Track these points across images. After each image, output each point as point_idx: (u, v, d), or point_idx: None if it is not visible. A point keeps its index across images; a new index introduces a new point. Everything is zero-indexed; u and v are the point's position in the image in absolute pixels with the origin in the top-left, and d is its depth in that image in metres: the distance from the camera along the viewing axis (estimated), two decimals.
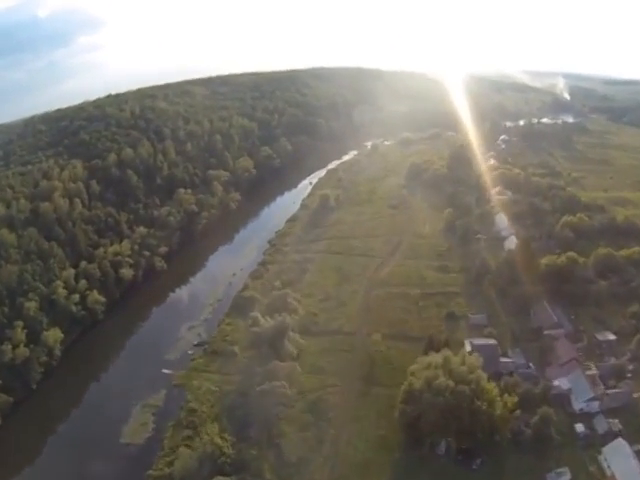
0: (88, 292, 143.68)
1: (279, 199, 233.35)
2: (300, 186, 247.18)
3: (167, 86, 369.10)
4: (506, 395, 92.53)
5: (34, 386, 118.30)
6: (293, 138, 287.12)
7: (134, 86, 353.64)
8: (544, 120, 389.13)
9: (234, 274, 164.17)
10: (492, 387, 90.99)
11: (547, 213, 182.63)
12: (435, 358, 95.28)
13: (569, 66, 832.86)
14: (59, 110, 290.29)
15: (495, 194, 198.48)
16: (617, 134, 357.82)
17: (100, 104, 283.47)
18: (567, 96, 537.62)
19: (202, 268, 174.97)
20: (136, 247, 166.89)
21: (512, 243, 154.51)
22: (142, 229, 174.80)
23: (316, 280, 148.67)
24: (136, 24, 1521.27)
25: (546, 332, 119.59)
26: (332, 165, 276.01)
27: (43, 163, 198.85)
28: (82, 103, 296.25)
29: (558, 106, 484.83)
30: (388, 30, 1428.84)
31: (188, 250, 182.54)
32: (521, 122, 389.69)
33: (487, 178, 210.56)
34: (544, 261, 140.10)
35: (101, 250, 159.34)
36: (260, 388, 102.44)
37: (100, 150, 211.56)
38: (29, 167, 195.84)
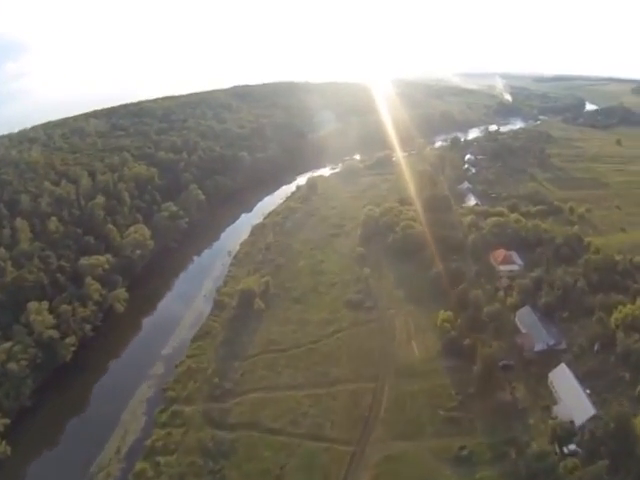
0: None
1: (184, 286, 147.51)
2: (215, 258, 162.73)
3: (62, 122, 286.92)
4: None
5: None
6: (207, 182, 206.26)
7: (62, 114, 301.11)
8: (500, 129, 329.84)
9: None
10: None
11: (585, 294, 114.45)
12: None
13: (496, 65, 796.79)
14: None
15: (500, 264, 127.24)
16: (584, 140, 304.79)
17: None
18: (509, 97, 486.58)
19: (54, 461, 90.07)
20: None
21: (570, 391, 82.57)
22: None
23: None
24: (62, 48, 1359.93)
25: None
26: (259, 216, 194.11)
27: None
28: None
29: (505, 110, 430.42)
30: (313, 40, 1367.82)
31: (41, 414, 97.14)
32: (475, 132, 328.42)
33: (480, 235, 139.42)
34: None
35: None
36: None
37: None
38: None
